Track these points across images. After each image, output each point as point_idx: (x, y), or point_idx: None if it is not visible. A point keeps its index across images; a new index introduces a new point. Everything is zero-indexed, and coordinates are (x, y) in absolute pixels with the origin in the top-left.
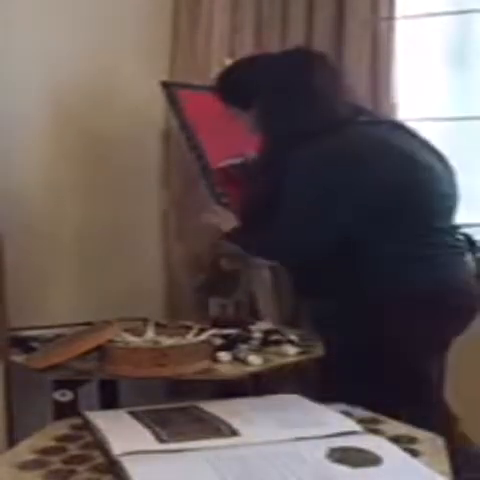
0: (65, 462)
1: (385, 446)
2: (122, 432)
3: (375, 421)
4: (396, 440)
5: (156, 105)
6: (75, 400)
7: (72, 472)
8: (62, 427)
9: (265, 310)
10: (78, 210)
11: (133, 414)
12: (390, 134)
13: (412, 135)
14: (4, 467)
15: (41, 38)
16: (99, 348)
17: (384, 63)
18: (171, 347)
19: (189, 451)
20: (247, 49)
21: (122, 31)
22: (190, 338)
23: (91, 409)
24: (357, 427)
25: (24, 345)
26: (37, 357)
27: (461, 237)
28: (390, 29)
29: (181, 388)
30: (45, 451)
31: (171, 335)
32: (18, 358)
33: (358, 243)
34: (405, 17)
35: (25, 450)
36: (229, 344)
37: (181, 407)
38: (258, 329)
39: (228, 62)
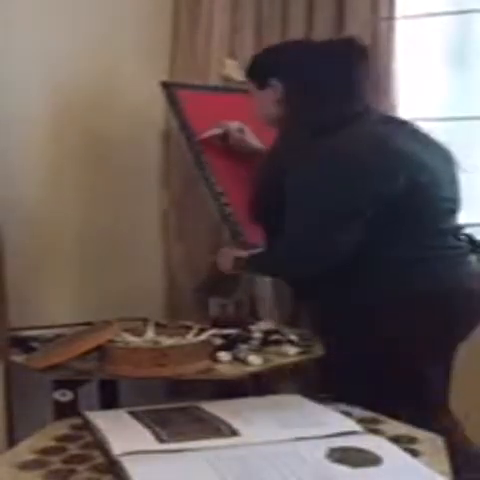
0: (65, 462)
1: (385, 446)
2: (122, 432)
3: (375, 421)
4: (396, 440)
5: (156, 105)
6: (75, 400)
7: (72, 472)
8: (62, 427)
9: (265, 310)
10: (78, 210)
11: (133, 414)
12: (394, 134)
13: (418, 134)
14: (4, 467)
15: (41, 38)
16: (99, 348)
17: (384, 63)
18: (171, 347)
19: (189, 451)
20: (247, 49)
21: (122, 31)
22: (190, 338)
23: (91, 409)
24: (357, 427)
25: (24, 345)
26: (37, 357)
27: (463, 237)
28: (390, 29)
29: (181, 388)
30: (45, 451)
31: (171, 335)
32: (18, 358)
33: (360, 245)
34: (405, 17)
35: (25, 450)
36: (229, 344)
37: (181, 407)
38: (258, 329)
39: (228, 62)
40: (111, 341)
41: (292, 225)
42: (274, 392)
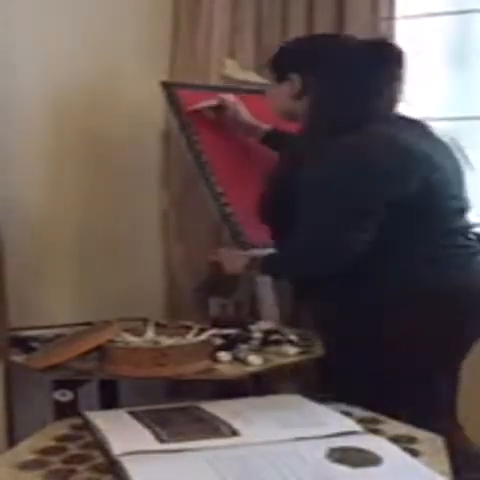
0: (65, 462)
1: (385, 446)
2: (122, 432)
3: (375, 421)
4: (396, 440)
5: (156, 105)
6: (75, 400)
7: (72, 472)
8: (62, 427)
9: (265, 310)
10: (78, 210)
11: (133, 414)
12: (409, 135)
13: (430, 134)
14: (4, 467)
15: (41, 38)
16: (99, 348)
17: None
18: (171, 347)
19: (189, 451)
20: (247, 49)
21: (122, 31)
22: (190, 338)
23: (91, 409)
24: (357, 427)
25: (24, 345)
26: (37, 357)
27: (472, 237)
28: (390, 29)
29: (181, 388)
30: (45, 451)
31: (171, 335)
32: (18, 358)
33: (370, 244)
34: (405, 17)
35: (25, 450)
36: (229, 344)
37: (181, 407)
38: (258, 329)
39: (228, 62)
40: (111, 341)
41: (308, 223)
42: (274, 392)
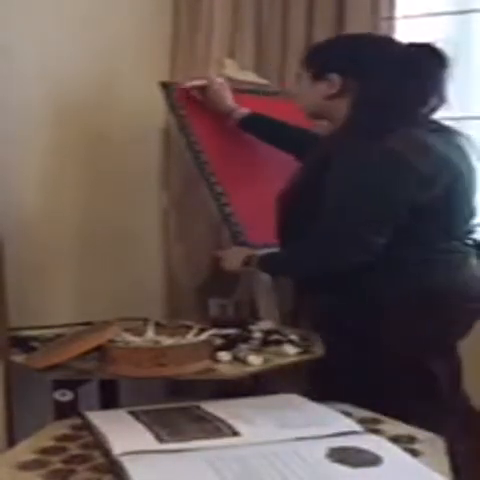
0: (65, 462)
1: (385, 446)
2: (122, 432)
3: (375, 421)
4: (396, 440)
5: (156, 105)
6: (75, 400)
7: (72, 472)
8: (62, 427)
9: (265, 310)
10: (78, 210)
11: (133, 414)
12: (440, 142)
13: (456, 140)
14: (4, 467)
15: (41, 38)
16: (99, 348)
17: None
18: (171, 347)
19: (189, 451)
20: (247, 49)
21: (122, 31)
22: (190, 338)
23: (91, 409)
24: (357, 427)
25: (24, 345)
26: (37, 357)
27: (470, 242)
28: (390, 29)
29: (181, 388)
30: (45, 451)
31: (171, 335)
32: (18, 358)
33: None
34: (405, 17)
35: (25, 450)
36: (229, 344)
37: (181, 407)
38: (258, 329)
39: (228, 62)
40: (111, 341)
41: (331, 223)
42: (274, 392)
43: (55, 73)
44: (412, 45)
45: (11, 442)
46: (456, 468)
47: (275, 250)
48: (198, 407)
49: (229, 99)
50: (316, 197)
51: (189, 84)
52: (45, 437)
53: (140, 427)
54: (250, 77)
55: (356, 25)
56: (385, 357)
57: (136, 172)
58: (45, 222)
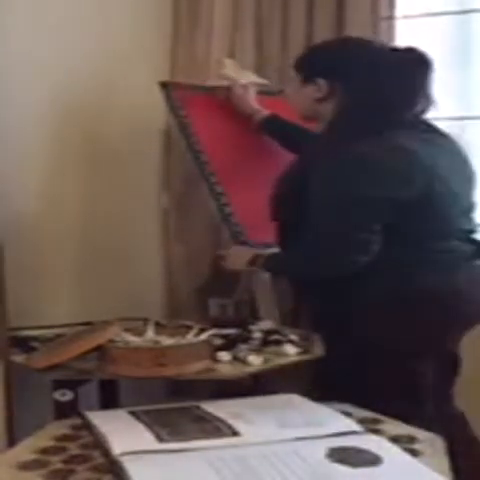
0: (65, 462)
1: (385, 446)
2: (122, 432)
3: (375, 421)
4: (396, 440)
5: (156, 105)
6: (75, 400)
7: (72, 472)
8: (62, 427)
9: (265, 310)
10: (78, 209)
11: (133, 414)
12: (422, 146)
13: (437, 139)
14: (4, 467)
15: (40, 39)
16: (99, 348)
17: None
18: (171, 347)
19: (189, 451)
20: (247, 49)
21: (122, 31)
22: (190, 338)
23: (91, 409)
24: (357, 427)
25: (24, 345)
26: (37, 357)
27: (469, 241)
28: (390, 29)
29: (181, 388)
30: (45, 451)
31: (171, 335)
32: (18, 358)
33: None
34: (405, 17)
35: (25, 450)
36: (229, 344)
37: (181, 407)
38: (258, 329)
39: (227, 62)
40: (111, 341)
41: (325, 223)
42: (274, 392)
43: (55, 74)
44: (396, 49)
45: (11, 442)
46: (456, 468)
47: (279, 251)
48: (198, 407)
49: (253, 100)
50: (301, 199)
51: (216, 83)
52: (45, 437)
53: (140, 427)
54: (250, 77)
55: (356, 25)
56: (373, 356)
57: (136, 172)
58: (45, 222)
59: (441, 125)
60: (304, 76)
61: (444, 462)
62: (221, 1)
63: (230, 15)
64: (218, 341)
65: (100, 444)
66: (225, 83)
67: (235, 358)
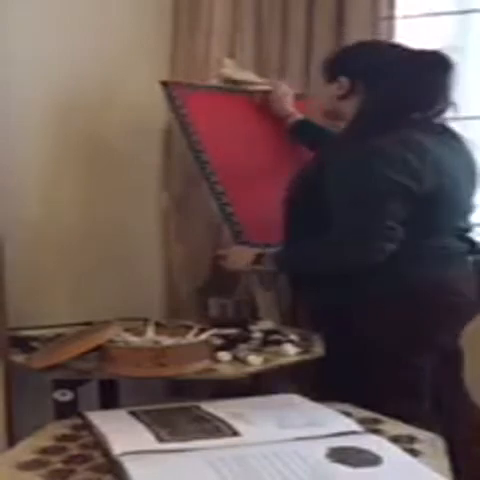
0: (65, 462)
1: (385, 446)
2: (122, 432)
3: (375, 421)
4: (396, 440)
5: (156, 105)
6: (75, 400)
7: (72, 472)
8: (62, 427)
9: (265, 310)
10: (78, 209)
11: (133, 414)
12: (435, 146)
13: (451, 141)
14: (4, 467)
15: (40, 39)
16: (99, 348)
17: None
18: (171, 347)
19: (189, 451)
20: (247, 49)
21: (122, 31)
22: (190, 338)
23: (91, 409)
24: (357, 427)
25: (24, 345)
26: (37, 357)
27: (465, 239)
28: (390, 29)
29: (181, 388)
30: (45, 451)
31: (171, 335)
32: (18, 358)
33: None
34: (405, 17)
35: (25, 450)
36: (229, 344)
37: (181, 407)
38: (258, 329)
39: (227, 62)
40: (111, 341)
41: (347, 214)
42: (274, 392)
43: (55, 74)
44: (419, 51)
45: (11, 442)
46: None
47: (287, 247)
48: (198, 407)
49: (290, 104)
50: (318, 196)
51: (258, 87)
52: (45, 437)
53: (140, 427)
54: (250, 77)
55: (356, 25)
56: (370, 352)
57: (136, 172)
58: (45, 222)
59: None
60: (330, 74)
61: (444, 462)
62: (221, 1)
63: (230, 15)
64: (218, 341)
65: (100, 444)
66: (265, 87)
67: (235, 358)
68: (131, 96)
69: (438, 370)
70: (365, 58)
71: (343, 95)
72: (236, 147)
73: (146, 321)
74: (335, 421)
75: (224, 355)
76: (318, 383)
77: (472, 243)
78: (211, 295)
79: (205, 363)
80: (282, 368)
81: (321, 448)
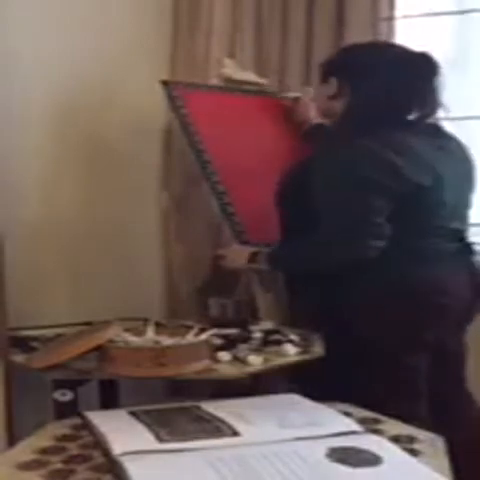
0: (65, 462)
1: (385, 446)
2: (122, 432)
3: (375, 421)
4: (396, 440)
5: (156, 105)
6: (75, 400)
7: (72, 472)
8: (62, 427)
9: (265, 310)
10: (78, 209)
11: (133, 414)
12: (416, 140)
13: (442, 141)
14: (4, 467)
15: (41, 39)
16: (99, 348)
17: None
18: (171, 347)
19: (189, 451)
20: (247, 49)
21: (122, 31)
22: (190, 338)
23: (91, 409)
24: (357, 427)
25: (24, 345)
26: (37, 357)
27: (456, 240)
28: (390, 29)
29: (181, 388)
30: (45, 451)
31: (171, 335)
32: (18, 358)
33: None
34: (405, 17)
35: (25, 450)
36: (229, 344)
37: (181, 407)
38: (258, 329)
39: (227, 61)
40: (111, 341)
41: (334, 211)
42: (274, 392)
43: (55, 74)
44: (405, 53)
45: (11, 442)
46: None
47: (280, 246)
48: (198, 407)
49: (314, 111)
50: (305, 194)
51: (291, 95)
52: (45, 437)
53: (140, 427)
54: (250, 77)
55: (356, 25)
56: (367, 351)
57: (136, 172)
58: (45, 222)
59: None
60: (322, 76)
61: (444, 462)
62: (221, 1)
63: (230, 15)
64: (218, 341)
65: (100, 444)
66: (296, 94)
67: (235, 358)
68: (131, 96)
69: (437, 370)
70: (351, 59)
71: (333, 95)
72: (237, 147)
73: (146, 321)
74: (335, 421)
75: (224, 355)
76: (318, 383)
77: (466, 244)
78: (211, 295)
79: (205, 363)
80: (282, 368)
81: (321, 448)
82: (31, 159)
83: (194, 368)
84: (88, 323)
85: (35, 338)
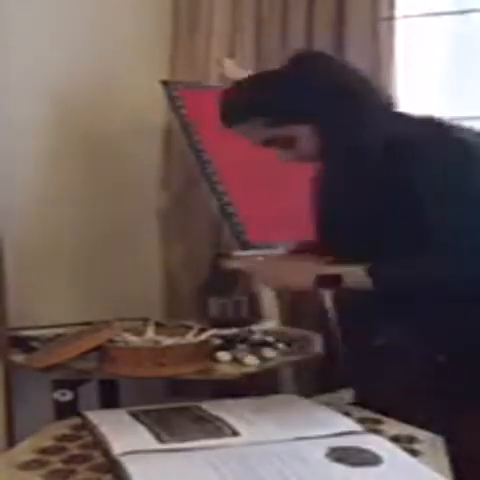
0: (65, 462)
1: (385, 446)
2: (122, 432)
3: (375, 421)
4: (396, 440)
5: (156, 105)
6: (75, 400)
7: (72, 472)
8: (62, 427)
9: (265, 310)
10: (78, 209)
11: (133, 414)
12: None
13: None
14: (4, 467)
15: (41, 39)
16: (99, 348)
17: (384, 63)
18: (171, 347)
19: (189, 451)
20: (247, 49)
21: (122, 31)
22: (190, 338)
23: (91, 409)
24: (357, 427)
25: (24, 345)
26: (37, 357)
27: None
28: (390, 29)
29: (181, 388)
30: (45, 451)
31: (171, 335)
32: (18, 358)
33: None
34: (405, 17)
35: (25, 450)
36: (229, 344)
37: (181, 407)
38: (258, 329)
39: (227, 62)
40: (111, 341)
41: (461, 220)
42: (274, 392)
43: (55, 73)
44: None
45: (11, 442)
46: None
47: (387, 263)
48: (198, 407)
49: None
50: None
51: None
52: (45, 437)
53: (140, 427)
54: None
55: (356, 25)
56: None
57: (136, 172)
58: (45, 222)
59: None
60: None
61: (444, 462)
62: (221, 1)
63: (230, 15)
64: (217, 341)
65: (100, 444)
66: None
67: (235, 358)
68: (131, 96)
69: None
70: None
71: None
72: (236, 147)
73: (146, 321)
74: (335, 421)
75: (223, 355)
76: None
77: None
78: (211, 295)
79: (205, 363)
80: (281, 368)
81: (321, 448)
82: (31, 159)
83: (194, 368)
84: (88, 323)
85: (35, 338)
